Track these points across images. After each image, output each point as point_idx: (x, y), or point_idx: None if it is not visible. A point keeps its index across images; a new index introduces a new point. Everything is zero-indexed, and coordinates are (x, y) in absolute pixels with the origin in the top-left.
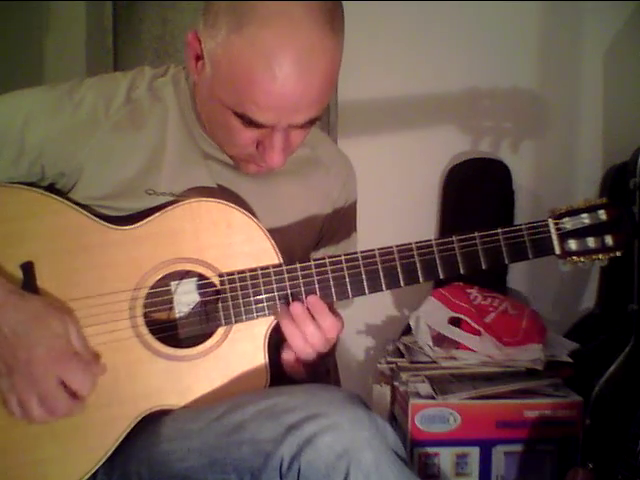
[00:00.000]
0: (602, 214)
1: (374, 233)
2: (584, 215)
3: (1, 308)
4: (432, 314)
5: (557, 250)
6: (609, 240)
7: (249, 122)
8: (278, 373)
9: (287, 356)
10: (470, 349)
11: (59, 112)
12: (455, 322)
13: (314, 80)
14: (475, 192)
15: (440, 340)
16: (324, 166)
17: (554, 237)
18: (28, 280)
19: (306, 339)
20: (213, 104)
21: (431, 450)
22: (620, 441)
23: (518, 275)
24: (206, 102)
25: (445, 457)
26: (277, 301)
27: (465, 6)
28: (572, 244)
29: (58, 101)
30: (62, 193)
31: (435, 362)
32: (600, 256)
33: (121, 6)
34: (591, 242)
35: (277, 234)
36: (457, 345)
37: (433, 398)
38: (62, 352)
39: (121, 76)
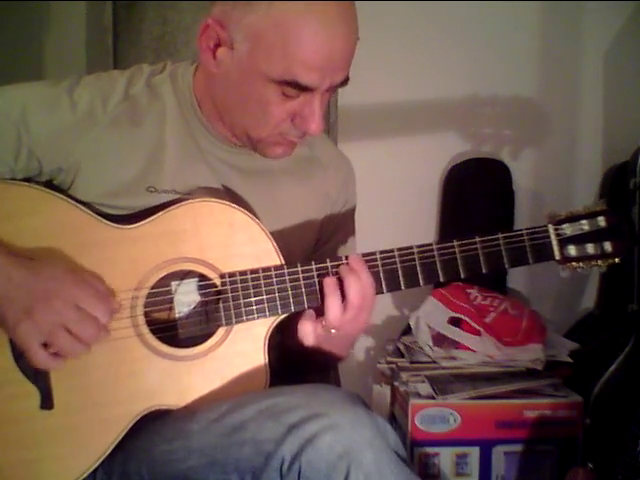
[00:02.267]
0: (601, 221)
1: (374, 233)
2: (583, 221)
3: (8, 263)
4: (432, 314)
5: (557, 256)
6: (608, 247)
7: (295, 86)
8: (278, 374)
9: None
10: (470, 349)
11: (56, 108)
12: (455, 322)
13: (351, 38)
14: (475, 192)
15: (440, 340)
16: (322, 165)
17: (554, 243)
18: None
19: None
20: (248, 84)
21: (431, 450)
22: (620, 441)
23: (518, 275)
24: (235, 87)
25: (445, 457)
26: (277, 302)
27: (466, 6)
28: (572, 250)
29: (56, 97)
30: (62, 190)
31: (435, 362)
32: (599, 262)
33: (121, 6)
34: (590, 248)
35: (275, 234)
36: (457, 345)
37: (433, 398)
38: (76, 281)
39: (119, 74)
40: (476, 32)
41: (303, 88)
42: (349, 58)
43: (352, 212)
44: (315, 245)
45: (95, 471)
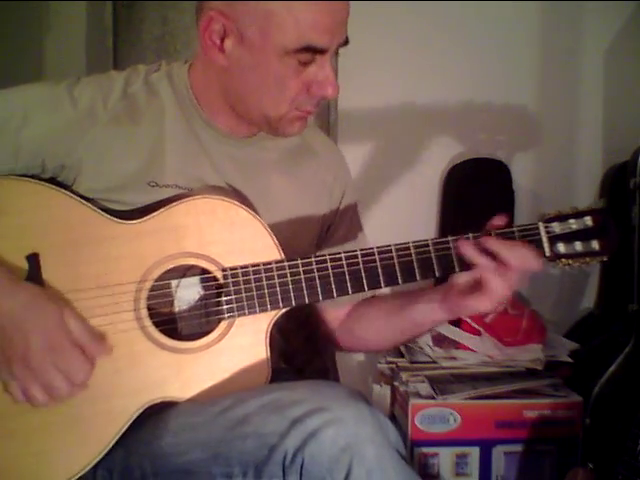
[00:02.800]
0: (588, 220)
1: (375, 233)
2: (572, 220)
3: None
4: None
5: (547, 252)
6: (595, 245)
7: (311, 50)
8: (279, 374)
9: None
10: (470, 349)
11: (58, 107)
12: (455, 322)
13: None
14: (475, 192)
15: (440, 340)
16: (315, 152)
17: (544, 239)
18: (33, 272)
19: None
20: (264, 64)
21: (431, 450)
22: (620, 441)
23: None
24: (249, 72)
25: (445, 457)
26: (278, 295)
27: (465, 6)
28: (561, 247)
29: (57, 96)
30: (66, 186)
31: (435, 362)
32: (587, 260)
33: (121, 6)
34: (578, 246)
35: (277, 226)
36: (457, 345)
37: (433, 398)
38: (58, 340)
39: (116, 74)
40: (476, 31)
41: (318, 51)
42: (347, 15)
43: (355, 206)
44: (320, 236)
45: (96, 468)
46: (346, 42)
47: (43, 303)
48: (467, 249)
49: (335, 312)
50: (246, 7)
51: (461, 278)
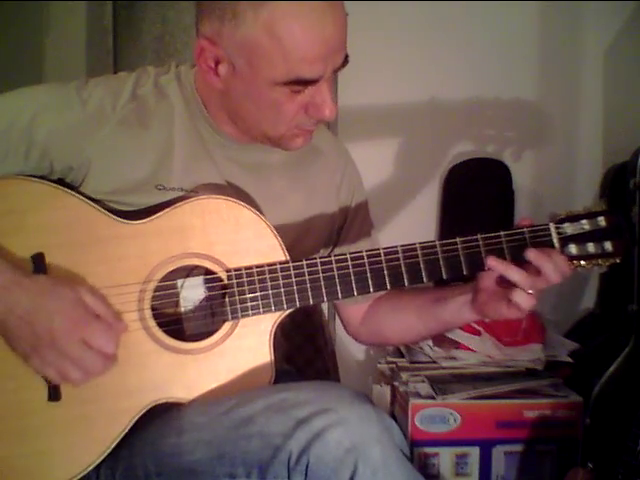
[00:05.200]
0: (601, 221)
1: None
2: (584, 221)
3: (10, 290)
4: None
5: None
6: (608, 246)
7: (302, 83)
8: (282, 369)
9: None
10: (470, 349)
11: (67, 107)
12: None
13: (341, 18)
14: (475, 192)
15: (440, 340)
16: (323, 153)
17: (555, 241)
18: (38, 271)
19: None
20: (256, 93)
21: (431, 450)
22: (620, 441)
23: None
24: (243, 98)
25: (445, 457)
26: (282, 297)
27: (466, 6)
28: (572, 248)
29: (66, 97)
30: (72, 187)
31: (435, 362)
32: (600, 261)
33: (121, 6)
34: (591, 247)
35: (285, 228)
36: (457, 345)
37: (433, 398)
38: (79, 316)
39: (126, 75)
40: (476, 32)
41: (309, 82)
42: (344, 38)
43: (365, 204)
44: (331, 236)
45: (99, 467)
46: (345, 61)
47: (55, 286)
48: (500, 267)
49: (356, 309)
50: (233, 39)
51: (489, 280)
